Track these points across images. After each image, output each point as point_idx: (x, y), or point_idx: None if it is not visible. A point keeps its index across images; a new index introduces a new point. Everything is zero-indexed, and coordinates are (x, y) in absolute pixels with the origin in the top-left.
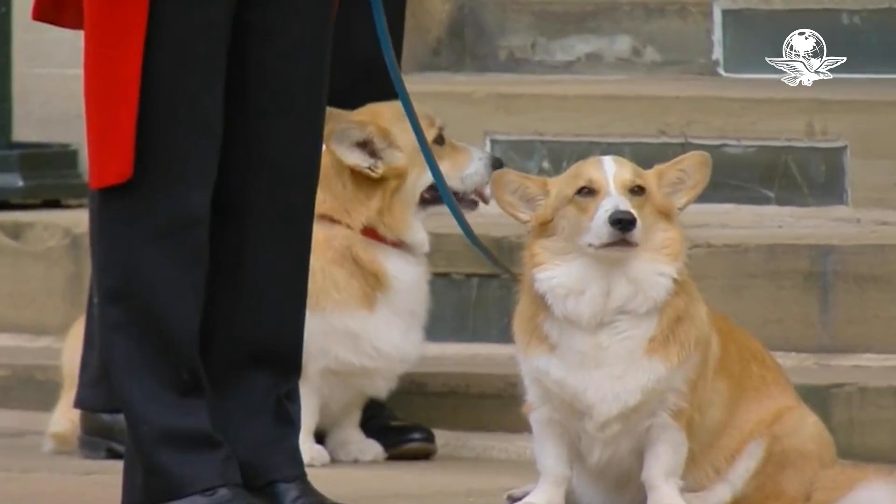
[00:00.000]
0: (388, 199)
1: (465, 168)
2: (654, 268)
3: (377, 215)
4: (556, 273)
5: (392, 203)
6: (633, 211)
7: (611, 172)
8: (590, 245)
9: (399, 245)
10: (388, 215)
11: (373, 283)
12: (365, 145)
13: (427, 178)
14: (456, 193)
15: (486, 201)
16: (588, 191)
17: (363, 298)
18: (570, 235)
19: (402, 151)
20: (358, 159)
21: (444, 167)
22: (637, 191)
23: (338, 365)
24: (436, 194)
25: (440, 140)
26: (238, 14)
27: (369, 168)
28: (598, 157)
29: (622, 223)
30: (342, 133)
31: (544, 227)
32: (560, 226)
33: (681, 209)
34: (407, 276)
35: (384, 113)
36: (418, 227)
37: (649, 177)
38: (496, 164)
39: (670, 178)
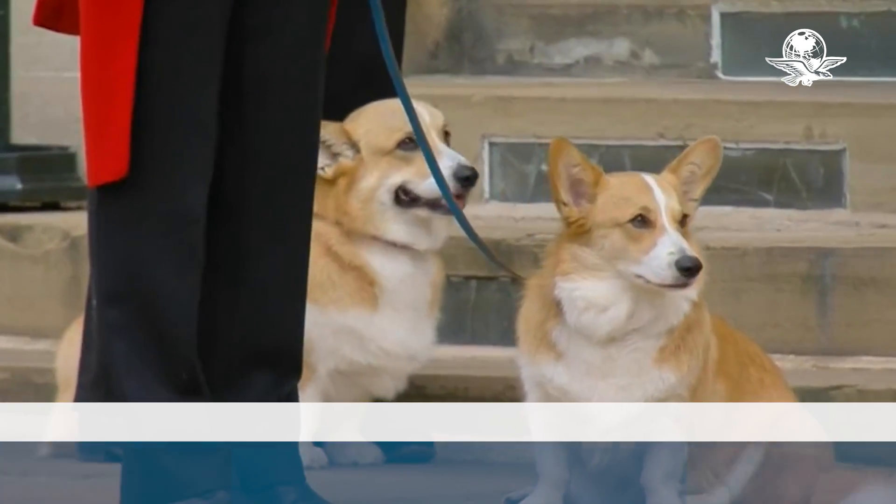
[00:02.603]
0: (340, 196)
1: (428, 177)
2: (678, 291)
3: (335, 211)
4: (581, 286)
5: (346, 201)
6: (698, 256)
7: (662, 202)
8: (639, 277)
9: (381, 241)
10: (344, 212)
11: (365, 279)
12: (323, 145)
13: (393, 181)
14: (419, 199)
15: (447, 212)
16: (642, 220)
17: (361, 296)
18: (610, 258)
19: (360, 152)
20: None
21: (408, 173)
22: (683, 221)
23: (346, 364)
24: (412, 197)
25: (406, 145)
26: (234, 14)
27: (322, 168)
28: (640, 177)
29: (691, 271)
30: None
31: (579, 235)
32: (599, 244)
33: (697, 200)
34: (392, 272)
35: (368, 112)
36: (395, 227)
37: (682, 194)
38: (462, 175)
39: (683, 176)
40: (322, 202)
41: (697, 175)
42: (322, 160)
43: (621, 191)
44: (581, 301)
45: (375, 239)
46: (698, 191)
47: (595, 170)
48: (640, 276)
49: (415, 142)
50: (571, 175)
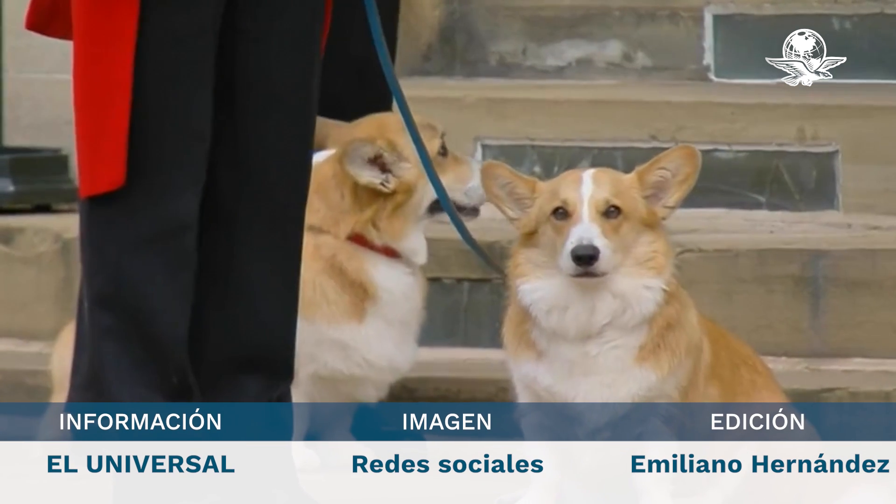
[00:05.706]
0: (389, 209)
1: (469, 181)
2: (640, 282)
3: (368, 222)
4: (537, 286)
5: (395, 214)
6: (596, 243)
7: (587, 194)
8: (562, 269)
9: (388, 252)
10: (385, 223)
11: (361, 294)
12: (375, 160)
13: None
14: (459, 206)
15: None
16: (563, 212)
17: (353, 310)
18: (550, 252)
19: (411, 163)
20: (371, 176)
21: (448, 179)
22: (612, 212)
23: (327, 371)
24: (439, 205)
25: (444, 151)
26: (225, 18)
27: (382, 184)
28: (579, 172)
29: (582, 259)
30: (354, 152)
31: (529, 237)
32: (542, 241)
33: (672, 207)
34: (395, 285)
35: (391, 124)
36: (417, 237)
37: (628, 189)
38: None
39: (651, 180)
40: (356, 212)
41: (671, 181)
42: (379, 175)
43: (552, 186)
44: (542, 303)
45: (388, 250)
46: (673, 198)
47: (528, 181)
48: (562, 269)
49: (445, 148)
50: (510, 192)
